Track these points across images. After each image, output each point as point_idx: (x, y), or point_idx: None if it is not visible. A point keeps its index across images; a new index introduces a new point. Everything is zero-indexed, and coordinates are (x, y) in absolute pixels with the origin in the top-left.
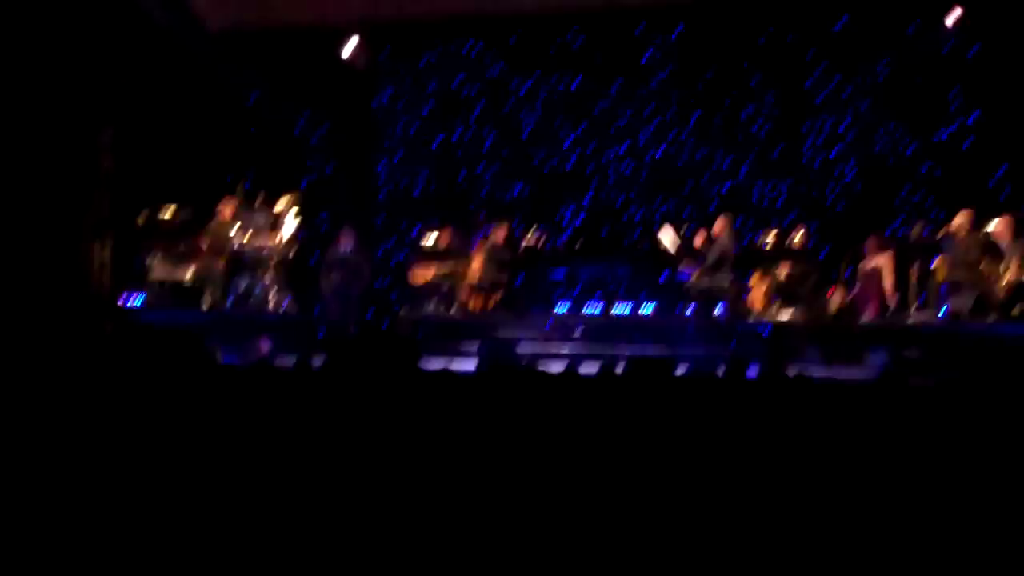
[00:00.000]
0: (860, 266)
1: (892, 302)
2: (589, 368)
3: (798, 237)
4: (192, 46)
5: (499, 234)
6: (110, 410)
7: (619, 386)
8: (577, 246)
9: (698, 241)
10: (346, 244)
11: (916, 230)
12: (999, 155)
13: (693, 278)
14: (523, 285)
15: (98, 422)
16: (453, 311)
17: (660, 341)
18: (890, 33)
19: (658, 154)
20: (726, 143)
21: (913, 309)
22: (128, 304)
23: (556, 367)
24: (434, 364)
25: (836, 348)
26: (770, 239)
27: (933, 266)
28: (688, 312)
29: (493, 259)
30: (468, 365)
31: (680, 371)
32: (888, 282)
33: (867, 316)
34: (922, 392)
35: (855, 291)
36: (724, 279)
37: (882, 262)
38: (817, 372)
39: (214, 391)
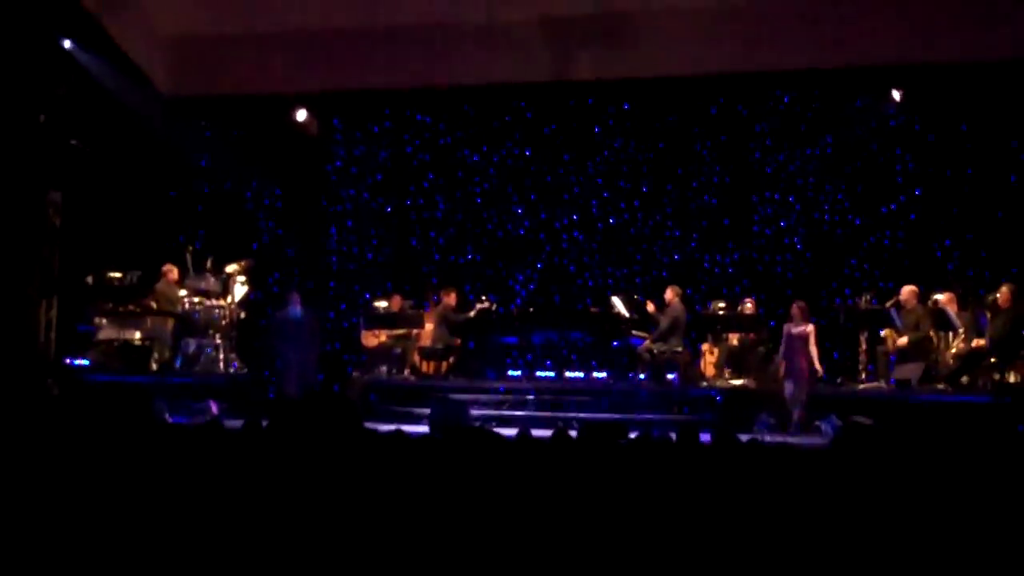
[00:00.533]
0: (785, 328)
1: (817, 367)
2: (542, 432)
3: (748, 305)
4: (144, 109)
5: (451, 298)
6: (55, 470)
7: (573, 450)
8: (530, 311)
9: (650, 308)
10: (295, 307)
11: (864, 300)
12: (945, 227)
13: (646, 344)
14: (475, 350)
15: (43, 482)
16: (406, 375)
17: (613, 406)
18: (837, 107)
19: (611, 222)
20: (677, 213)
21: (863, 377)
22: (74, 364)
23: (509, 431)
24: (385, 427)
25: (787, 415)
26: (720, 307)
27: (883, 335)
28: (641, 378)
29: (445, 323)
30: (420, 428)
31: (633, 436)
32: (813, 350)
33: (791, 383)
34: (875, 458)
35: (780, 353)
36: (676, 345)
37: (808, 329)
38: (770, 438)
39: (161, 451)
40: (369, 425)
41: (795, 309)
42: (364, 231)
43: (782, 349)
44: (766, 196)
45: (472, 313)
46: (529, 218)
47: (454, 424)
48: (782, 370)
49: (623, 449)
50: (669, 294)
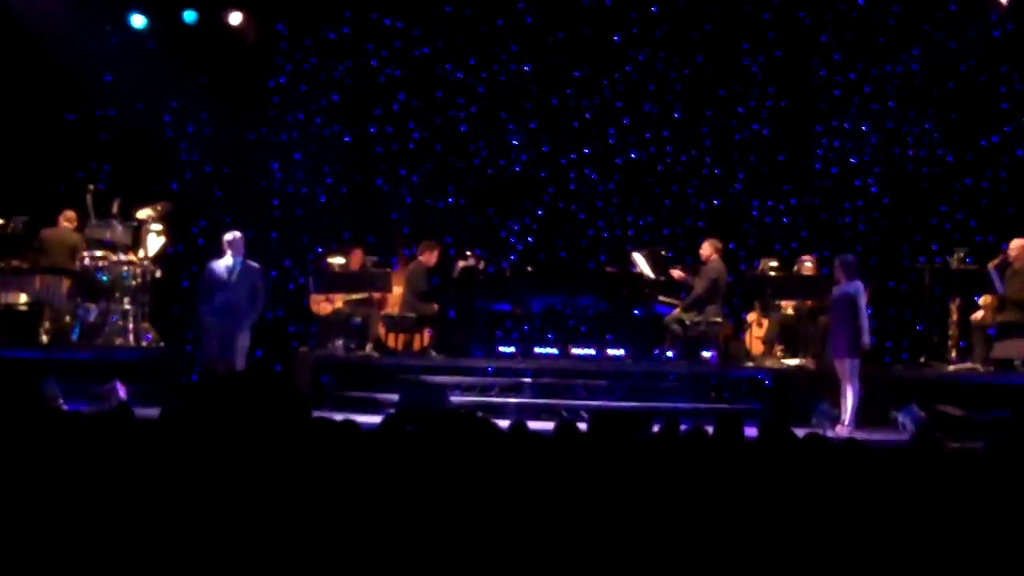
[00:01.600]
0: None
1: (865, 339)
2: (542, 425)
3: (807, 264)
4: (30, 9)
5: (427, 255)
6: None
7: (580, 448)
8: (527, 271)
9: (676, 274)
10: (231, 263)
11: (956, 259)
12: None
13: (675, 313)
14: (457, 319)
15: None
16: (367, 351)
17: (633, 392)
18: (925, 11)
19: (632, 156)
20: (717, 146)
21: (953, 356)
22: None
23: (500, 423)
24: (342, 417)
25: (864, 401)
26: (771, 267)
27: (980, 303)
28: (668, 356)
29: (419, 286)
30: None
31: (657, 429)
32: (863, 318)
33: (832, 356)
34: (964, 459)
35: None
36: (714, 315)
37: (852, 290)
38: (832, 433)
39: (51, 447)
40: (320, 415)
41: (836, 264)
42: (315, 167)
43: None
44: (832, 125)
45: (454, 273)
46: (527, 151)
47: (429, 413)
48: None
49: (644, 446)
50: (706, 249)
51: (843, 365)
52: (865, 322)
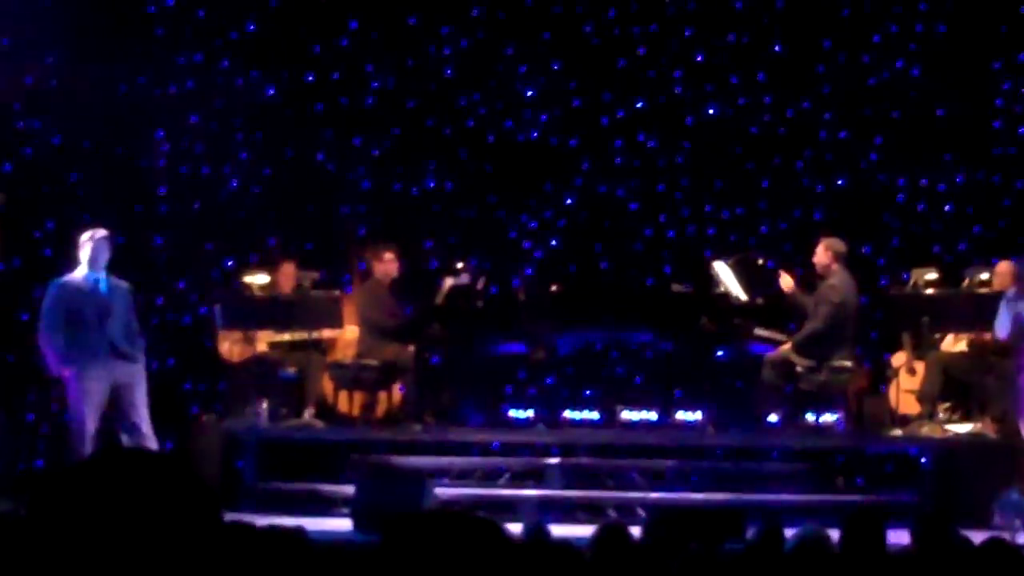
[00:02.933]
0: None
1: None
2: (576, 530)
3: (985, 276)
4: None
5: (380, 264)
6: None
7: (634, 564)
8: (550, 292)
9: (786, 284)
10: (93, 277)
11: None
12: None
13: (780, 353)
14: (445, 369)
15: None
16: (306, 419)
17: (716, 479)
18: None
19: (709, 112)
20: (842, 95)
21: None
22: None
23: (513, 528)
24: (265, 520)
25: None
26: (929, 280)
27: None
28: (772, 421)
29: (380, 318)
30: (335, 523)
31: (753, 535)
32: None
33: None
34: None
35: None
36: (840, 358)
37: None
38: None
39: None
40: (235, 518)
41: (1004, 269)
42: (223, 136)
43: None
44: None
45: (438, 297)
46: (548, 107)
47: (401, 515)
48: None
49: (733, 562)
50: (824, 256)
51: None
52: None
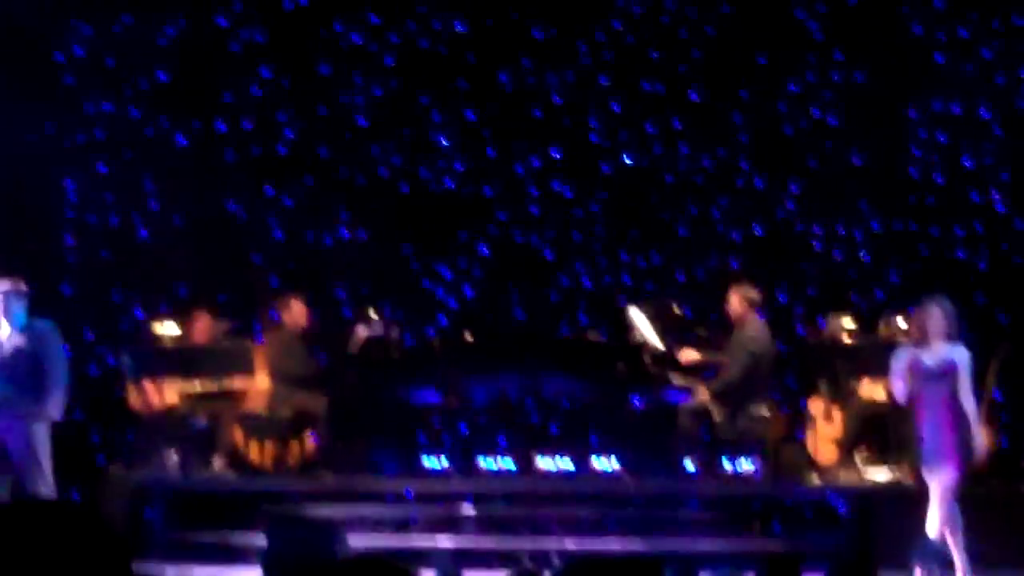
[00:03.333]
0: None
1: (981, 439)
2: None
3: (900, 323)
4: None
5: (289, 313)
6: None
7: None
8: (465, 341)
9: (689, 356)
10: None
11: None
12: None
13: (696, 399)
14: (358, 418)
15: None
16: (217, 468)
17: (633, 527)
18: None
19: (625, 160)
20: (757, 142)
21: None
22: None
23: None
24: (175, 571)
25: (996, 537)
26: (846, 328)
27: None
28: (689, 469)
29: (291, 367)
30: (247, 573)
31: None
32: (966, 401)
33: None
34: None
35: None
36: (757, 406)
37: (952, 358)
38: None
39: None
40: (144, 568)
41: (928, 316)
42: (132, 184)
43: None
44: (934, 109)
45: (351, 346)
46: (463, 155)
47: (316, 564)
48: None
49: None
50: (738, 303)
51: (942, 480)
52: (973, 413)
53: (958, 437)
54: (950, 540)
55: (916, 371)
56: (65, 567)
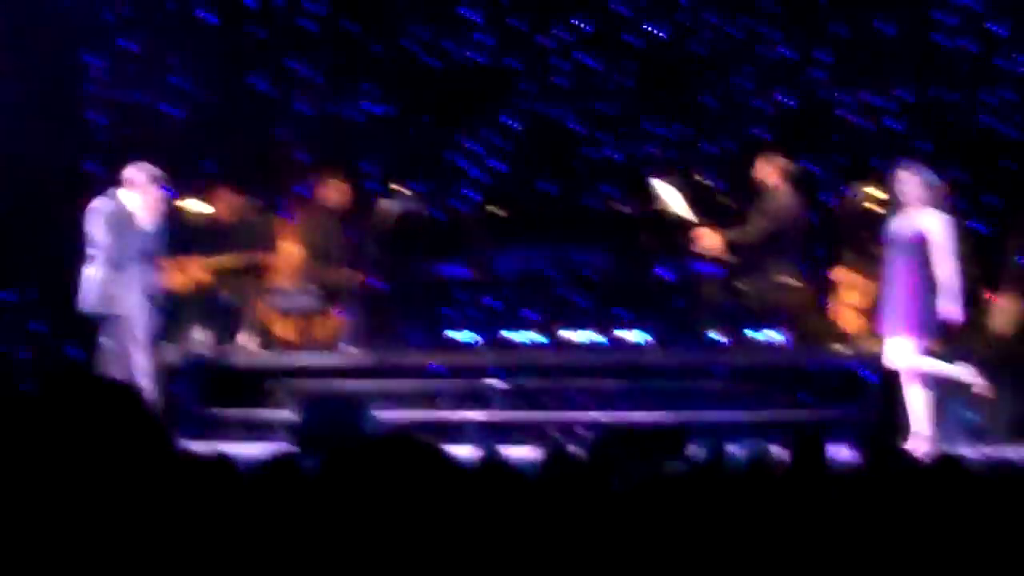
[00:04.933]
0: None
1: (949, 307)
2: (521, 452)
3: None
4: None
5: (331, 193)
6: None
7: (578, 487)
8: (492, 214)
9: (710, 241)
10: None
11: None
12: None
13: (724, 270)
14: (385, 291)
15: None
16: (244, 345)
17: (659, 398)
18: None
19: (651, 31)
20: (786, 8)
21: None
22: None
23: (456, 452)
24: (205, 446)
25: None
26: (873, 196)
27: None
28: (715, 339)
29: (323, 243)
30: (275, 446)
31: (697, 452)
32: (944, 265)
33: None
34: None
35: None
36: (782, 274)
37: (922, 226)
38: (975, 452)
39: None
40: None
41: (904, 180)
42: (156, 59)
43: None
44: None
45: (379, 222)
46: (491, 29)
47: (344, 440)
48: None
49: (675, 483)
50: (765, 171)
51: (901, 349)
52: (946, 283)
53: (918, 306)
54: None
55: (884, 238)
56: (108, 446)
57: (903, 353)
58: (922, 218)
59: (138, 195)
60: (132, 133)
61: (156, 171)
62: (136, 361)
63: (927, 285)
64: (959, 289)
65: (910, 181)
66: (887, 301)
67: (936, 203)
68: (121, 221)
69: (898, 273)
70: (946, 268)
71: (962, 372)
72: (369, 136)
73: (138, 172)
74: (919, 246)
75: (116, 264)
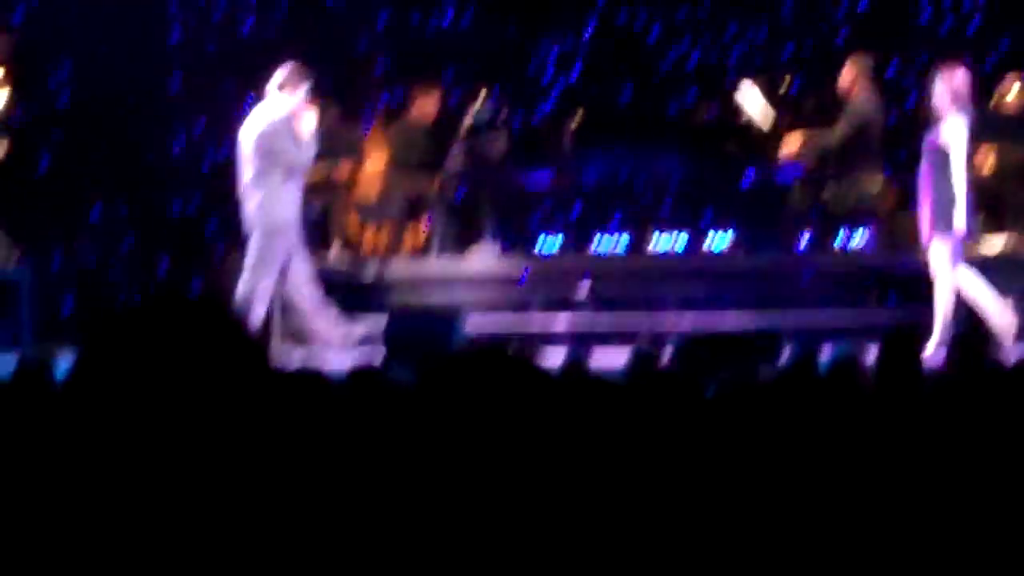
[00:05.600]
0: None
1: (957, 219)
2: (610, 358)
3: (1016, 88)
4: None
5: (422, 103)
6: None
7: (665, 395)
8: (574, 120)
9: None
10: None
11: None
12: None
13: (806, 174)
14: (470, 201)
15: None
16: (332, 255)
17: (747, 301)
18: None
19: None
20: None
21: None
22: None
23: (546, 361)
24: (296, 360)
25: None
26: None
27: None
28: (800, 245)
29: (411, 154)
30: (368, 358)
31: (786, 358)
32: (958, 173)
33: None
34: None
35: None
36: (868, 179)
37: (944, 140)
38: None
39: None
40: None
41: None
42: None
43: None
44: None
45: (462, 130)
46: None
47: (434, 351)
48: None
49: (766, 389)
50: (850, 74)
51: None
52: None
53: (935, 212)
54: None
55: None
56: (207, 363)
57: (941, 258)
58: (948, 125)
59: (294, 101)
60: (213, 49)
61: (306, 73)
62: (298, 272)
63: (940, 192)
64: (962, 202)
65: (937, 89)
66: (921, 210)
67: (963, 108)
68: (286, 133)
69: (923, 179)
70: (958, 175)
71: (997, 308)
72: (448, 45)
73: (292, 75)
74: (938, 152)
75: (286, 177)
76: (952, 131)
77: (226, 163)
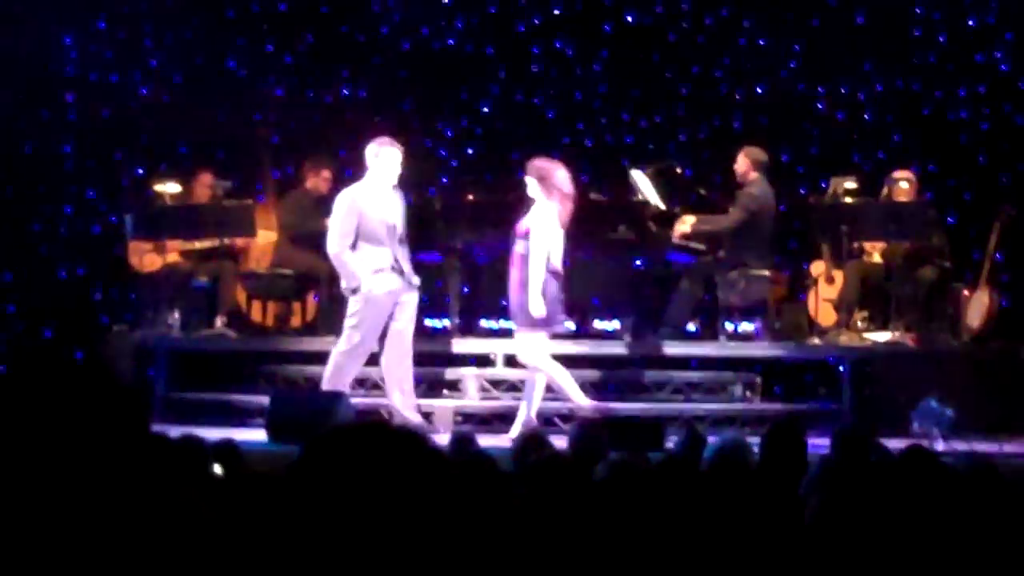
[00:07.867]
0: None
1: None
2: (494, 441)
3: (903, 185)
4: None
5: (314, 178)
6: None
7: (554, 477)
8: (466, 201)
9: (682, 229)
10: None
11: None
12: None
13: (699, 262)
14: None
15: None
16: (218, 328)
17: (633, 389)
18: None
19: (627, 19)
20: (753, 7)
21: None
22: None
23: (433, 439)
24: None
25: (996, 398)
26: (849, 189)
27: None
28: (690, 329)
29: (302, 226)
30: (250, 434)
31: (672, 445)
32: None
33: None
34: None
35: None
36: (758, 266)
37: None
38: (946, 445)
39: None
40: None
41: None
42: (131, 41)
43: None
44: None
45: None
46: (464, 13)
47: (319, 426)
48: None
49: (651, 474)
50: (742, 164)
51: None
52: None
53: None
54: None
55: None
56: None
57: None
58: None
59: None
60: (108, 114)
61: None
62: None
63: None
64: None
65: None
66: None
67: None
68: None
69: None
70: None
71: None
72: (341, 121)
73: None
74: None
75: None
76: (537, 219)
77: (113, 232)
